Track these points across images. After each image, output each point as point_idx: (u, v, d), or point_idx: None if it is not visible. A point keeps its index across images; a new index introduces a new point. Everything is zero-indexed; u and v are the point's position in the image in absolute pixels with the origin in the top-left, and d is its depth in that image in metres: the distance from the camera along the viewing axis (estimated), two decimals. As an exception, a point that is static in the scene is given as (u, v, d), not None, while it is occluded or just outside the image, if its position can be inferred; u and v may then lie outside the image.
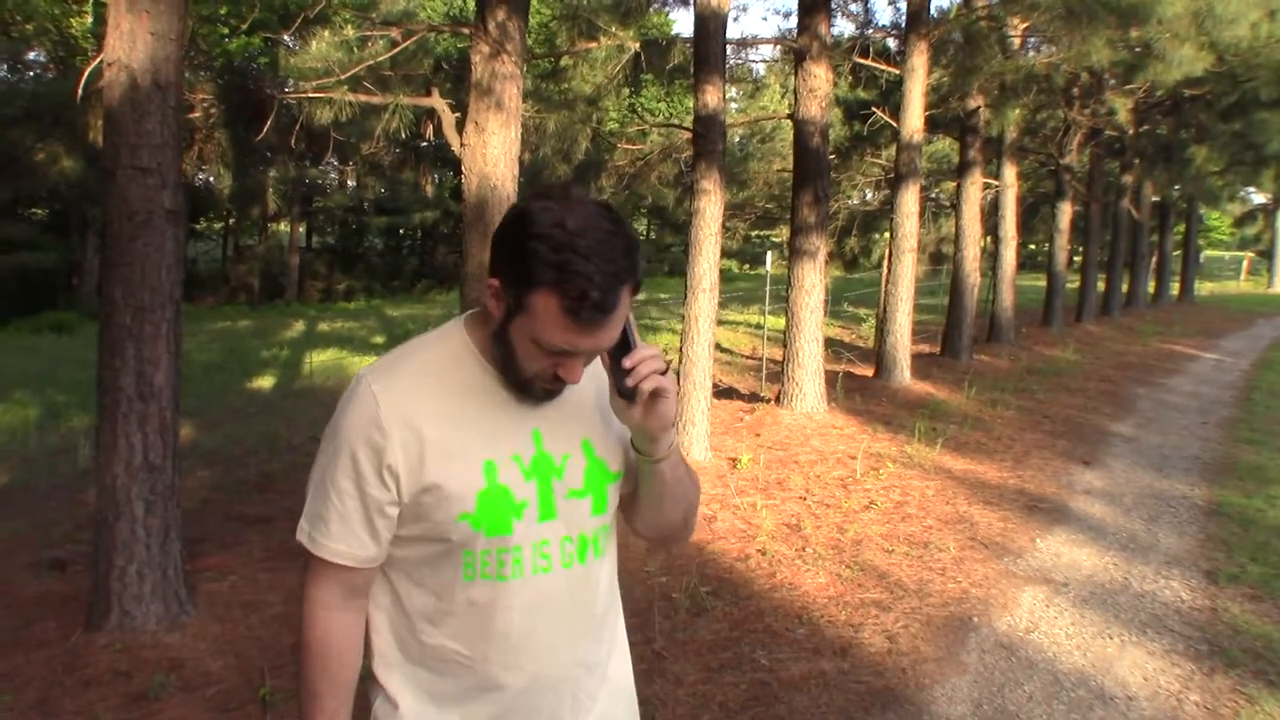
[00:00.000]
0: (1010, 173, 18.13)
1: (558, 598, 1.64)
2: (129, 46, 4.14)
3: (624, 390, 1.54)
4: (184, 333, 4.58)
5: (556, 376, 1.53)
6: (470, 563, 1.59)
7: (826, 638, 4.84)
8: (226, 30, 26.01)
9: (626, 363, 1.52)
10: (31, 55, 29.65)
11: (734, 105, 34.76)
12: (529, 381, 1.55)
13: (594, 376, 1.67)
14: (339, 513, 1.58)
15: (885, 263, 13.90)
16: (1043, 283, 23.05)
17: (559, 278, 1.39)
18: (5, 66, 28.72)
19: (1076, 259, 30.51)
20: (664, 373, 1.54)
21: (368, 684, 1.70)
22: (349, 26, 8.92)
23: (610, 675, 1.80)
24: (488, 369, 1.60)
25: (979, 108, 15.33)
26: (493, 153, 6.22)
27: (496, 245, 1.50)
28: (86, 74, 5.48)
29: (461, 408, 1.59)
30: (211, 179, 26.50)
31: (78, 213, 28.38)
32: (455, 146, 6.72)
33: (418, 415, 1.56)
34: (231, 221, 39.38)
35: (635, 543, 6.17)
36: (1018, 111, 15.97)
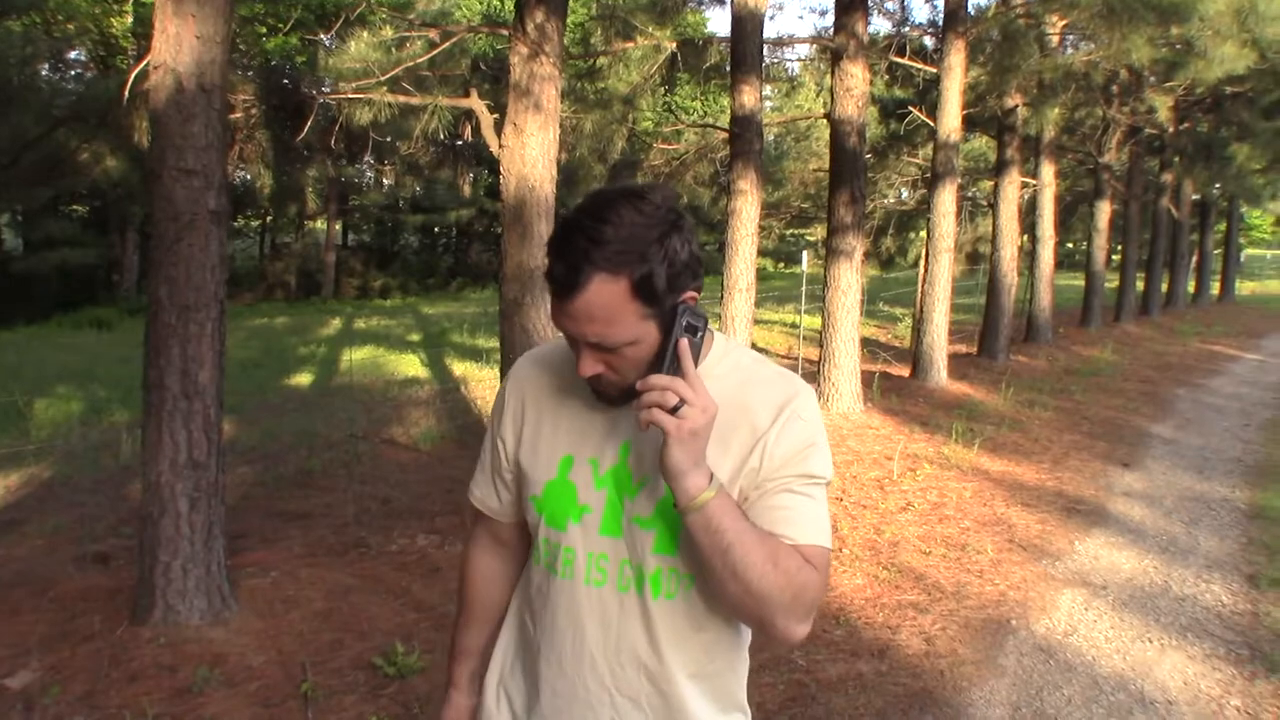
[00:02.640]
0: (1048, 171, 18.01)
1: (608, 616, 1.59)
2: (175, 50, 4.19)
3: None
4: (229, 328, 4.64)
5: (594, 376, 1.51)
6: (538, 546, 1.67)
7: (864, 639, 4.84)
8: (264, 30, 26.24)
9: (638, 384, 1.44)
10: (72, 55, 30.02)
11: (770, 105, 34.69)
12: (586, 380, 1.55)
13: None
14: (481, 464, 1.82)
15: (922, 262, 13.83)
16: (1081, 282, 22.88)
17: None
18: (47, 66, 29.07)
19: (1115, 258, 30.25)
20: (674, 410, 1.40)
21: None
22: (387, 27, 8.98)
23: None
24: None
25: (1017, 106, 15.23)
26: (531, 154, 6.24)
27: None
28: (132, 76, 5.56)
29: (567, 402, 1.66)
30: (251, 178, 26.74)
31: (119, 211, 28.72)
32: (494, 147, 6.76)
33: (530, 398, 1.71)
34: (269, 219, 39.72)
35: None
36: (1056, 110, 15.85)
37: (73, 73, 29.90)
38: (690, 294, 1.47)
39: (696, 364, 1.46)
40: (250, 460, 8.67)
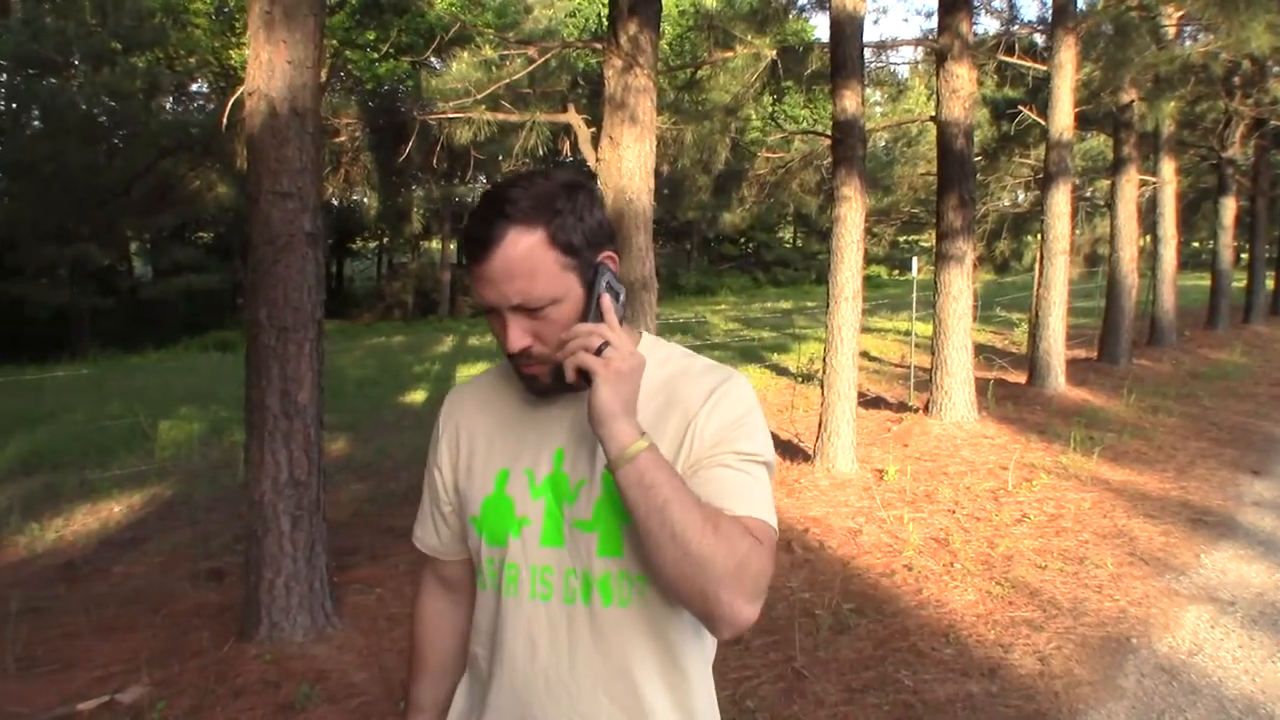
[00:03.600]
0: (1168, 168, 17.44)
1: (558, 632, 1.52)
2: (268, 76, 4.27)
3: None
4: (340, 349, 4.72)
5: (516, 354, 1.47)
6: (482, 570, 1.61)
7: (975, 658, 4.68)
8: (375, 55, 26.89)
9: (563, 335, 1.42)
10: (194, 87, 31.17)
11: (878, 109, 34.35)
12: (514, 366, 1.53)
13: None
14: (422, 502, 1.77)
15: (1037, 265, 13.49)
16: (1206, 282, 22.09)
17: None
18: (171, 99, 30.22)
19: (1243, 256, 29.17)
20: (599, 351, 1.37)
21: None
22: (487, 47, 9.08)
23: None
24: None
25: (1132, 102, 14.77)
26: (628, 166, 6.23)
27: None
28: (230, 104, 5.68)
29: (499, 418, 1.63)
30: (361, 200, 27.45)
31: (239, 236, 29.70)
32: (591, 161, 6.76)
33: (463, 422, 1.67)
34: (385, 240, 40.62)
35: (779, 556, 6.10)
36: (1174, 104, 15.35)
37: (195, 105, 31.08)
38: (609, 253, 1.48)
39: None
40: (363, 477, 8.82)
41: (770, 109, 33.10)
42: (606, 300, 1.44)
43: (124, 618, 5.22)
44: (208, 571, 5.92)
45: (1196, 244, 43.36)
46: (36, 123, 27.36)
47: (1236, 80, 17.81)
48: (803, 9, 12.40)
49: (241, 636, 4.65)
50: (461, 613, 1.79)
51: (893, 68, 20.23)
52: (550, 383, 1.49)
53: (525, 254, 1.39)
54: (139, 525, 7.50)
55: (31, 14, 26.89)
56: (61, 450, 9.86)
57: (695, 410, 1.49)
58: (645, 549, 1.37)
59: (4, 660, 4.58)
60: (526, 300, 1.41)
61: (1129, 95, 14.67)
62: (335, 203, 29.33)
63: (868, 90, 13.11)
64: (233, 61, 28.20)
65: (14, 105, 28.34)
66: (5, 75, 27.91)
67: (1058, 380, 12.36)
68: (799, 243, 50.93)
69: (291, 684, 4.21)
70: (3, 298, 26.26)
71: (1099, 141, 25.54)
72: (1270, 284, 24.15)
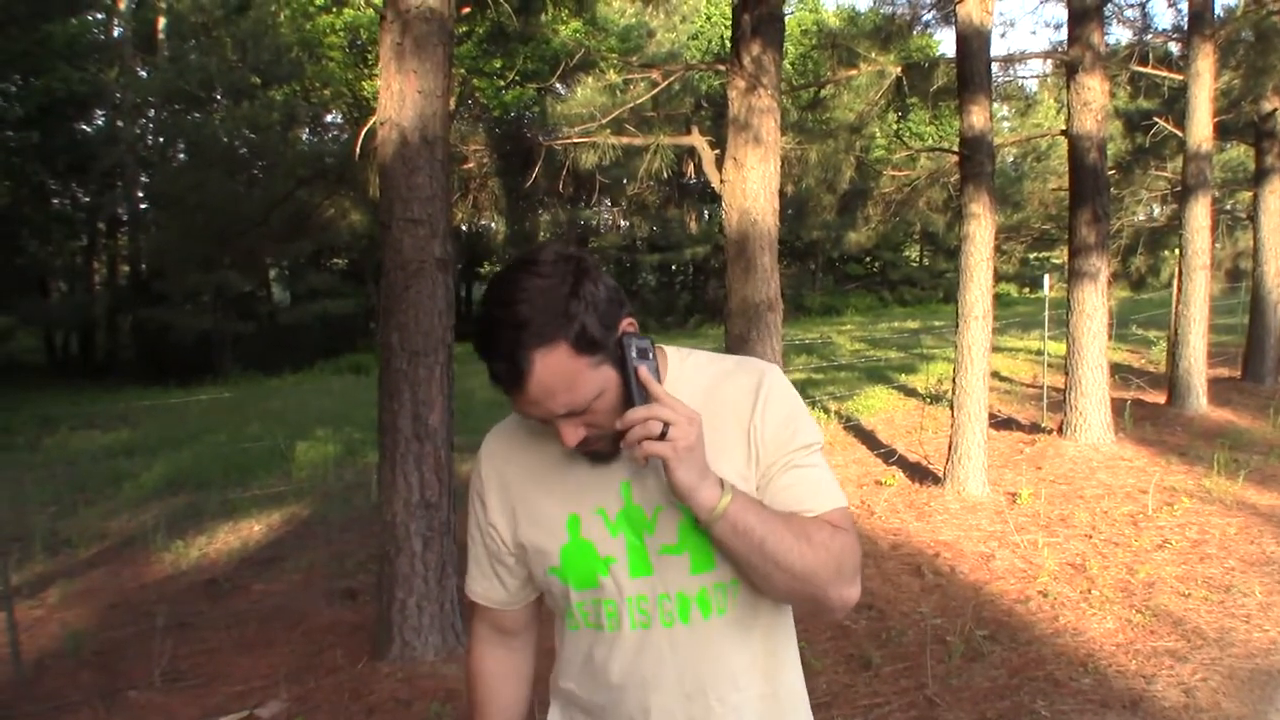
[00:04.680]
0: (1316, 178, 16.72)
1: (662, 657, 1.57)
2: (399, 105, 4.38)
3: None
4: (469, 371, 4.79)
5: (581, 442, 1.49)
6: (571, 612, 1.63)
7: (1115, 689, 4.52)
8: (502, 83, 27.38)
9: (618, 424, 1.43)
10: (329, 118, 32.18)
11: (1006, 124, 33.70)
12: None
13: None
14: (474, 557, 1.72)
15: (1175, 281, 13.04)
16: (1360, 297, 21.07)
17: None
18: (307, 130, 31.24)
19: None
20: (662, 435, 1.40)
21: None
22: (611, 71, 9.18)
23: None
24: None
25: (1275, 110, 14.21)
26: (752, 187, 6.22)
27: None
28: (363, 133, 5.84)
29: (549, 463, 1.61)
30: (490, 225, 27.96)
31: (371, 261, 30.45)
32: (715, 183, 6.78)
33: (509, 472, 1.65)
34: (512, 264, 41.23)
35: (909, 581, 6.00)
36: (1321, 112, 14.70)
37: (330, 135, 32.08)
38: (626, 322, 1.47)
39: (660, 384, 1.47)
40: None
41: (895, 127, 32.78)
42: (644, 372, 1.45)
43: (263, 634, 5.38)
44: (343, 590, 6.07)
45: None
46: (182, 155, 28.63)
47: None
48: (927, 25, 12.23)
49: (375, 655, 4.75)
50: (521, 659, 1.82)
51: (1021, 81, 19.76)
52: (612, 449, 1.53)
53: (557, 372, 1.38)
54: (277, 544, 7.72)
55: (177, 52, 28.16)
56: (204, 471, 10.21)
57: (747, 414, 1.55)
58: (754, 579, 1.50)
59: (150, 674, 4.75)
60: (573, 408, 1.42)
61: (1272, 103, 14.12)
62: (464, 228, 29.89)
63: (996, 105, 12.87)
64: (365, 92, 29.01)
65: (161, 139, 29.75)
66: (153, 111, 29.28)
67: (1199, 400, 11.92)
68: (925, 261, 50.13)
69: (423, 702, 4.28)
70: (150, 324, 27.44)
71: (1239, 152, 24.61)
72: None
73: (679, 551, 1.54)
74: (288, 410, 15.77)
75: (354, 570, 6.63)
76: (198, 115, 27.29)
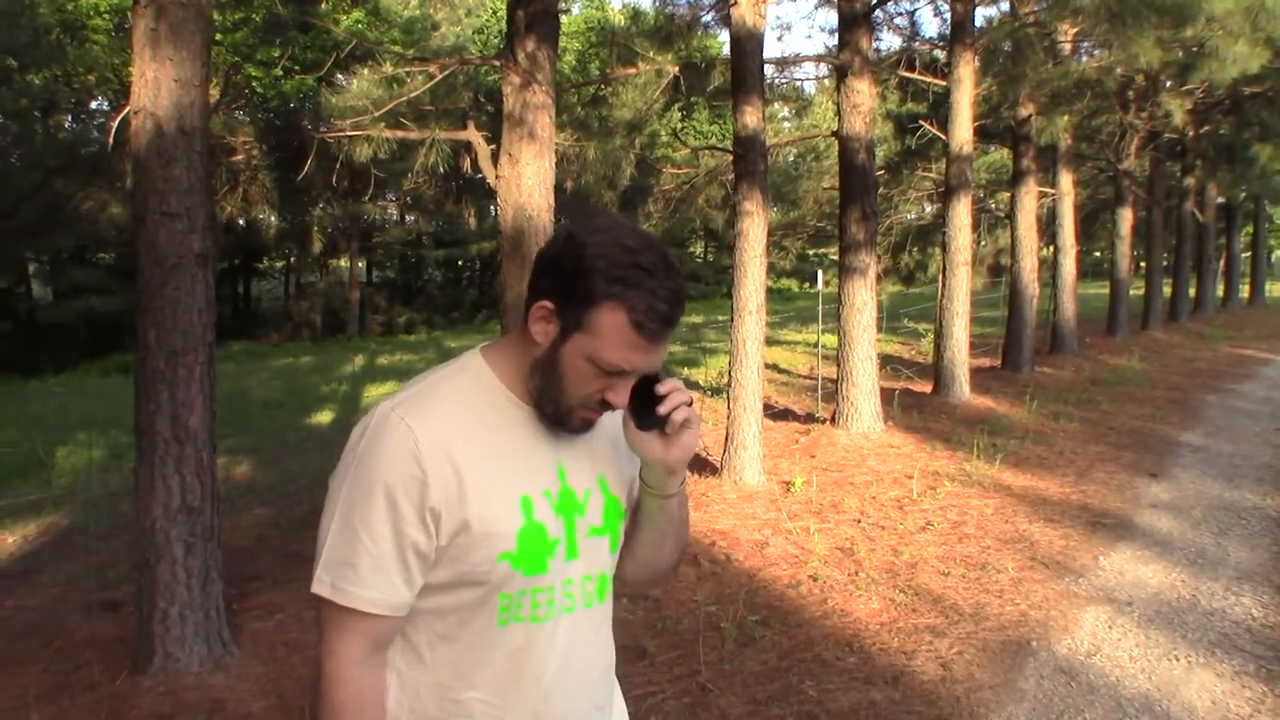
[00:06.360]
0: (1066, 180, 17.89)
1: (582, 638, 1.61)
2: (154, 94, 4.18)
3: (648, 421, 1.54)
4: (246, 370, 4.63)
5: (602, 403, 1.52)
6: (505, 606, 1.53)
7: (878, 666, 4.72)
8: (280, 72, 26.52)
9: (661, 389, 1.52)
10: (95, 105, 30.47)
11: (786, 124, 34.73)
12: (570, 411, 1.52)
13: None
14: (371, 557, 1.47)
15: (940, 277, 13.72)
16: (1106, 290, 22.66)
17: (626, 292, 1.42)
18: (70, 117, 29.53)
19: (1141, 265, 30.00)
20: (690, 404, 1.54)
21: None
22: (389, 63, 9.02)
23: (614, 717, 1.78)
24: (516, 401, 1.56)
25: (1030, 116, 15.11)
26: (527, 183, 6.21)
27: (549, 266, 1.50)
28: (116, 122, 5.56)
29: (496, 441, 1.54)
30: (265, 218, 27.11)
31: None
32: (490, 178, 6.74)
33: (455, 450, 1.49)
34: (292, 260, 40.03)
35: (685, 570, 6.10)
36: (1070, 118, 15.71)
37: (96, 122, 30.39)
38: None
39: None
40: (266, 501, 8.67)
41: (679, 125, 33.32)
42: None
43: (13, 653, 5.04)
44: (103, 603, 5.76)
45: (1096, 254, 44.41)
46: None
47: (1130, 94, 18.34)
48: (707, 26, 12.47)
49: (135, 669, 4.52)
50: (384, 677, 1.57)
51: (798, 83, 20.40)
52: (594, 421, 1.59)
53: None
54: (33, 556, 7.29)
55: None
56: (-48, 480, 9.56)
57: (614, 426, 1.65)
58: (662, 550, 1.72)
59: (-118, 701, 4.40)
60: (653, 366, 1.52)
61: (1027, 109, 15.00)
62: (241, 222, 28.84)
63: (776, 105, 13.25)
64: (132, 78, 27.63)
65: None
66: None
67: (962, 389, 12.57)
68: (709, 257, 51.23)
69: (186, 715, 4.11)
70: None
71: (1003, 155, 26.09)
72: (1167, 291, 24.84)
73: (603, 533, 1.63)
74: (48, 413, 14.90)
75: (117, 581, 6.30)
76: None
